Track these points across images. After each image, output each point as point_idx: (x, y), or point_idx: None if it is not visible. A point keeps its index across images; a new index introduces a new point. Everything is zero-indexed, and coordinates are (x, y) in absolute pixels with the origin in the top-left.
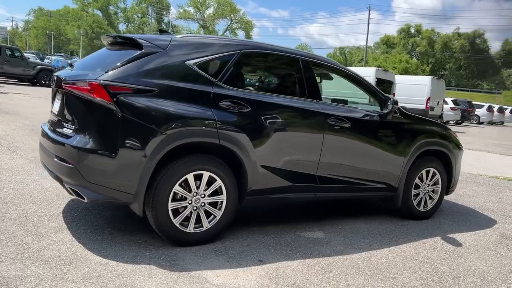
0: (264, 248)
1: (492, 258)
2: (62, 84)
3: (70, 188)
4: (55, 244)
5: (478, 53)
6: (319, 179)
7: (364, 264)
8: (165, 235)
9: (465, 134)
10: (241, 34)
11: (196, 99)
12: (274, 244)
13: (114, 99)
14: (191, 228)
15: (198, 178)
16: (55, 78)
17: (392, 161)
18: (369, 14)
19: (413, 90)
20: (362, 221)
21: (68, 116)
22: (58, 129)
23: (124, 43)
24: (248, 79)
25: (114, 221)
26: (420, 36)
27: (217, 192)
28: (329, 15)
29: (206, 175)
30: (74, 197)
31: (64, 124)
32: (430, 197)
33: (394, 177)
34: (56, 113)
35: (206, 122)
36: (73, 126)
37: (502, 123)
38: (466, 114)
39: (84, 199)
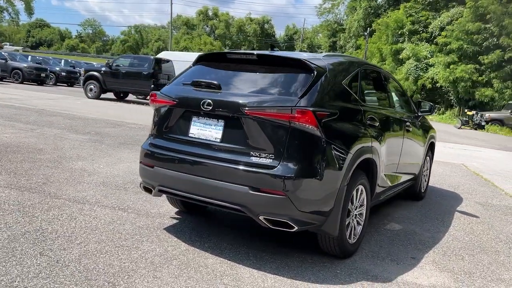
0: (391, 245)
1: (503, 221)
2: (246, 110)
3: (272, 220)
4: (257, 280)
5: (267, 37)
6: (397, 178)
7: (462, 245)
8: (341, 249)
9: None
10: (20, 6)
11: (358, 117)
12: (389, 240)
13: (320, 124)
14: (351, 239)
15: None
16: (203, 100)
17: (420, 153)
18: None
19: None
20: (395, 208)
21: (258, 144)
22: (235, 159)
23: (280, 63)
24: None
25: (246, 242)
26: (218, 19)
27: (361, 203)
28: None
29: (360, 188)
30: (272, 227)
31: (252, 153)
32: (425, 180)
33: (419, 167)
34: (219, 140)
35: (368, 139)
36: (272, 155)
37: None
38: None
39: (292, 228)
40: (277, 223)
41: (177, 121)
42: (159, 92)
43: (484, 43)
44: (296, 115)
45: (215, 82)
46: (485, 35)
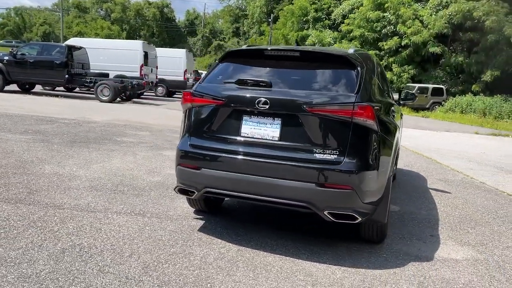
0: (405, 226)
1: (471, 195)
2: (307, 108)
3: (336, 214)
4: (326, 272)
5: (167, 22)
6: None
7: (458, 219)
8: (382, 235)
9: None
10: None
11: (389, 110)
12: (400, 221)
13: (376, 118)
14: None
15: None
16: (258, 99)
17: (399, 138)
18: None
19: (170, 63)
20: None
21: (320, 141)
22: (298, 156)
23: (321, 59)
24: None
25: (286, 236)
26: (113, 1)
27: None
28: None
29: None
30: (335, 221)
31: (315, 149)
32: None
33: (397, 150)
34: (277, 138)
35: (396, 129)
36: (336, 150)
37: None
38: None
39: (356, 220)
40: (340, 216)
41: (224, 120)
42: (195, 91)
43: (383, 30)
44: (358, 110)
45: (266, 80)
46: (383, 23)
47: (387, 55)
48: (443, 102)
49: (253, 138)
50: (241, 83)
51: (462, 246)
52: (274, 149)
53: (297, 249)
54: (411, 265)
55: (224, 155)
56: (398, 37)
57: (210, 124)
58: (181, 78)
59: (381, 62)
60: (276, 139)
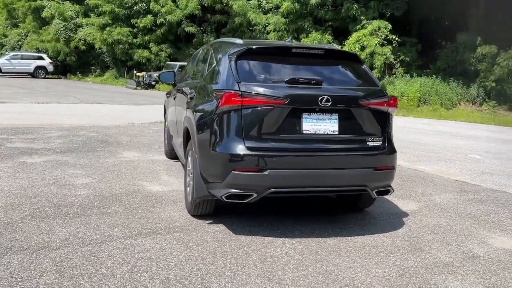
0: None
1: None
2: (362, 102)
3: (380, 191)
4: (377, 240)
5: None
6: None
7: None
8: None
9: None
10: None
11: None
12: None
13: None
14: None
15: None
16: (321, 97)
17: None
18: None
19: None
20: None
21: (370, 130)
22: (356, 146)
23: (337, 57)
24: None
25: (306, 223)
26: None
27: None
28: None
29: None
30: (377, 196)
31: (367, 139)
32: None
33: None
34: (337, 132)
35: None
36: (380, 137)
37: None
38: None
39: (390, 192)
40: (382, 192)
41: (284, 120)
42: (243, 91)
43: (135, 7)
44: (391, 101)
45: (318, 78)
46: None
47: (141, 33)
48: None
49: (315, 134)
50: (294, 82)
51: (404, 200)
52: (335, 143)
53: (332, 230)
54: (407, 220)
55: (290, 153)
56: (152, 15)
57: (268, 125)
58: None
59: (135, 41)
60: (336, 132)
